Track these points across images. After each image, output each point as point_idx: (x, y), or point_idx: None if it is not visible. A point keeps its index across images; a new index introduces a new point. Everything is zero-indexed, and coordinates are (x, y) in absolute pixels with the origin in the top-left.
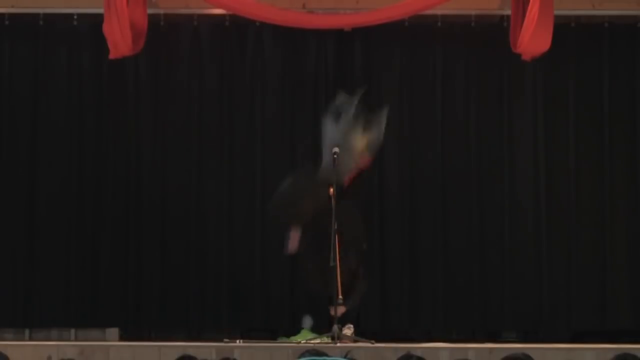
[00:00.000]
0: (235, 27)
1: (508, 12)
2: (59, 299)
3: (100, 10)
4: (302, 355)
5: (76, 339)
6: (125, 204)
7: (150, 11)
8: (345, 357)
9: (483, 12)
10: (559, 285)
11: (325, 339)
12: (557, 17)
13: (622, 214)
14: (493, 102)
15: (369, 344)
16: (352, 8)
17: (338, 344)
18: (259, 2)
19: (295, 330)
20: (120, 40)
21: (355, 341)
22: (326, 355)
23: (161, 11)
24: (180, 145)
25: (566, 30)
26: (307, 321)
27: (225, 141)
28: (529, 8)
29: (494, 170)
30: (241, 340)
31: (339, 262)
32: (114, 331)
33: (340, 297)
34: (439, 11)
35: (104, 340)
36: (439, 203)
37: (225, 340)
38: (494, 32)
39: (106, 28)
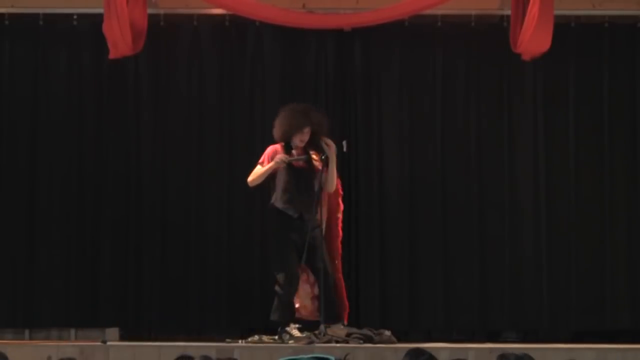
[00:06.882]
0: (235, 27)
1: (508, 12)
2: (59, 299)
3: (100, 10)
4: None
5: (76, 339)
6: (125, 204)
7: (150, 11)
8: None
9: (483, 12)
10: (559, 285)
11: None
12: (557, 17)
13: (622, 214)
14: (493, 102)
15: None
16: (352, 8)
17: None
18: (259, 2)
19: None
20: (120, 40)
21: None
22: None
23: (161, 11)
24: (180, 146)
25: (566, 30)
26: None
27: (225, 141)
28: (529, 8)
29: (494, 170)
30: (241, 340)
31: None
32: (114, 331)
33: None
34: (439, 11)
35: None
36: (439, 203)
37: (226, 340)
38: (494, 32)
39: (106, 28)
